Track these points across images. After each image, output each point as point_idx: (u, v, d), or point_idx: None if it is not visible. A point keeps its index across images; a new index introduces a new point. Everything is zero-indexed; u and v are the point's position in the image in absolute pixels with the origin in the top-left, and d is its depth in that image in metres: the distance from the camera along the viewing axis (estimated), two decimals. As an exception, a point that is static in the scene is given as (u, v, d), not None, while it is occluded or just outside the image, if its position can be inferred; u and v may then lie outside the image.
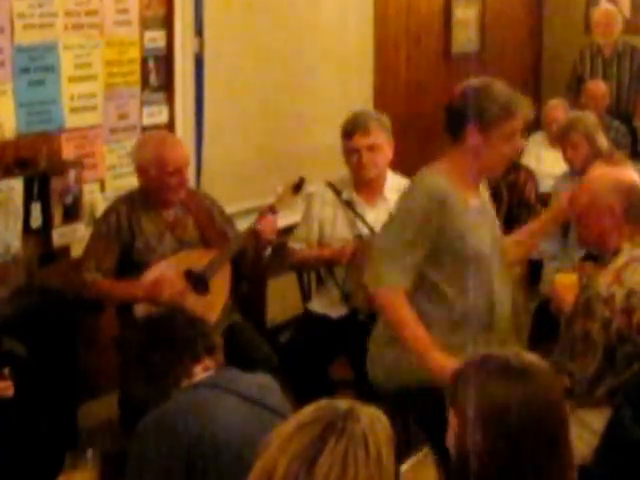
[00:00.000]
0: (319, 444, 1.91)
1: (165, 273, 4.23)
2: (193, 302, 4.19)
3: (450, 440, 2.30)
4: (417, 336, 3.47)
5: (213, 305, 4.29)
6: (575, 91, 7.36)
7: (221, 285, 4.36)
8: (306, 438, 1.93)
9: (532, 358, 2.32)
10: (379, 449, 1.94)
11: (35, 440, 4.06)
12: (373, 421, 1.98)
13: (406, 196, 3.58)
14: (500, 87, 3.52)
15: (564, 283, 3.73)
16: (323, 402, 2.02)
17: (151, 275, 4.23)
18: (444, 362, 3.35)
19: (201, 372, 2.99)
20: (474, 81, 3.55)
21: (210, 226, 4.43)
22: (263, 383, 3.05)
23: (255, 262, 4.53)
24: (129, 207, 4.34)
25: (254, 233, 4.36)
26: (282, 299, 5.46)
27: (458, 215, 3.49)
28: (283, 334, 5.28)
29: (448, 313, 3.56)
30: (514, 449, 2.20)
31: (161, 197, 4.32)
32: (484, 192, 3.75)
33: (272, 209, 4.41)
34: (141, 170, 4.33)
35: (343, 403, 2.00)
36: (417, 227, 3.45)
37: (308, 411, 1.99)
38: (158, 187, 4.28)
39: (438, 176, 3.51)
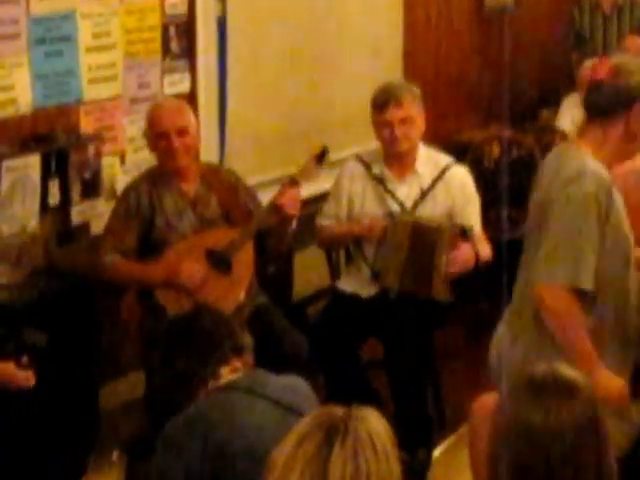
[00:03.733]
0: (326, 448, 1.91)
1: (184, 255, 4.10)
2: (215, 283, 4.09)
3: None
4: (586, 350, 3.11)
5: (237, 285, 4.16)
6: (577, 49, 7.02)
7: (244, 263, 4.20)
8: (312, 447, 1.91)
9: (572, 374, 2.19)
10: (385, 445, 1.95)
11: (57, 430, 4.00)
12: (374, 420, 1.98)
13: (571, 186, 3.11)
14: None
15: None
16: (317, 411, 2.02)
17: (170, 257, 4.11)
18: (611, 382, 3.12)
19: (229, 374, 2.94)
20: (623, 57, 3.27)
21: (234, 203, 4.28)
22: (293, 386, 2.98)
23: (279, 239, 4.35)
24: (150, 184, 4.21)
25: (275, 208, 4.17)
26: (308, 272, 5.32)
27: (618, 207, 3.12)
28: (310, 307, 5.18)
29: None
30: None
31: (164, 164, 4.18)
32: None
33: (294, 182, 4.21)
34: (146, 137, 4.27)
35: (338, 408, 2.00)
36: (591, 218, 3.05)
37: (304, 423, 1.98)
38: (156, 152, 4.19)
39: (594, 161, 3.14)
